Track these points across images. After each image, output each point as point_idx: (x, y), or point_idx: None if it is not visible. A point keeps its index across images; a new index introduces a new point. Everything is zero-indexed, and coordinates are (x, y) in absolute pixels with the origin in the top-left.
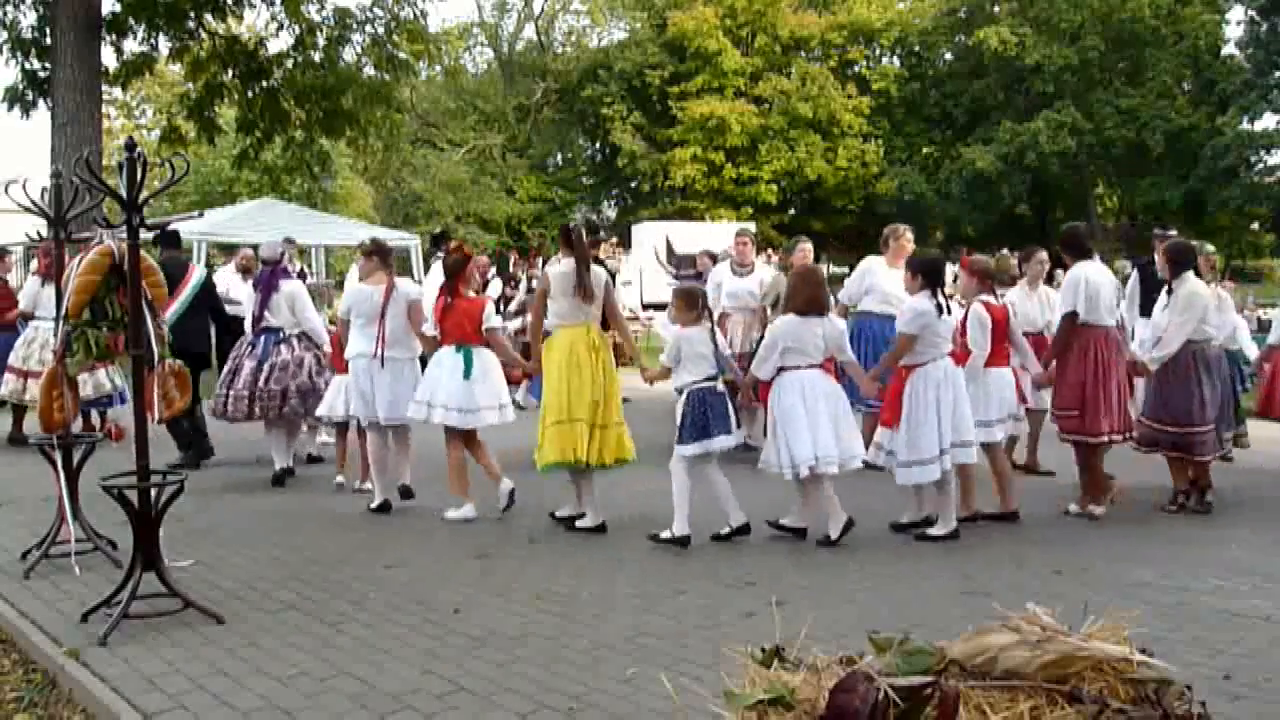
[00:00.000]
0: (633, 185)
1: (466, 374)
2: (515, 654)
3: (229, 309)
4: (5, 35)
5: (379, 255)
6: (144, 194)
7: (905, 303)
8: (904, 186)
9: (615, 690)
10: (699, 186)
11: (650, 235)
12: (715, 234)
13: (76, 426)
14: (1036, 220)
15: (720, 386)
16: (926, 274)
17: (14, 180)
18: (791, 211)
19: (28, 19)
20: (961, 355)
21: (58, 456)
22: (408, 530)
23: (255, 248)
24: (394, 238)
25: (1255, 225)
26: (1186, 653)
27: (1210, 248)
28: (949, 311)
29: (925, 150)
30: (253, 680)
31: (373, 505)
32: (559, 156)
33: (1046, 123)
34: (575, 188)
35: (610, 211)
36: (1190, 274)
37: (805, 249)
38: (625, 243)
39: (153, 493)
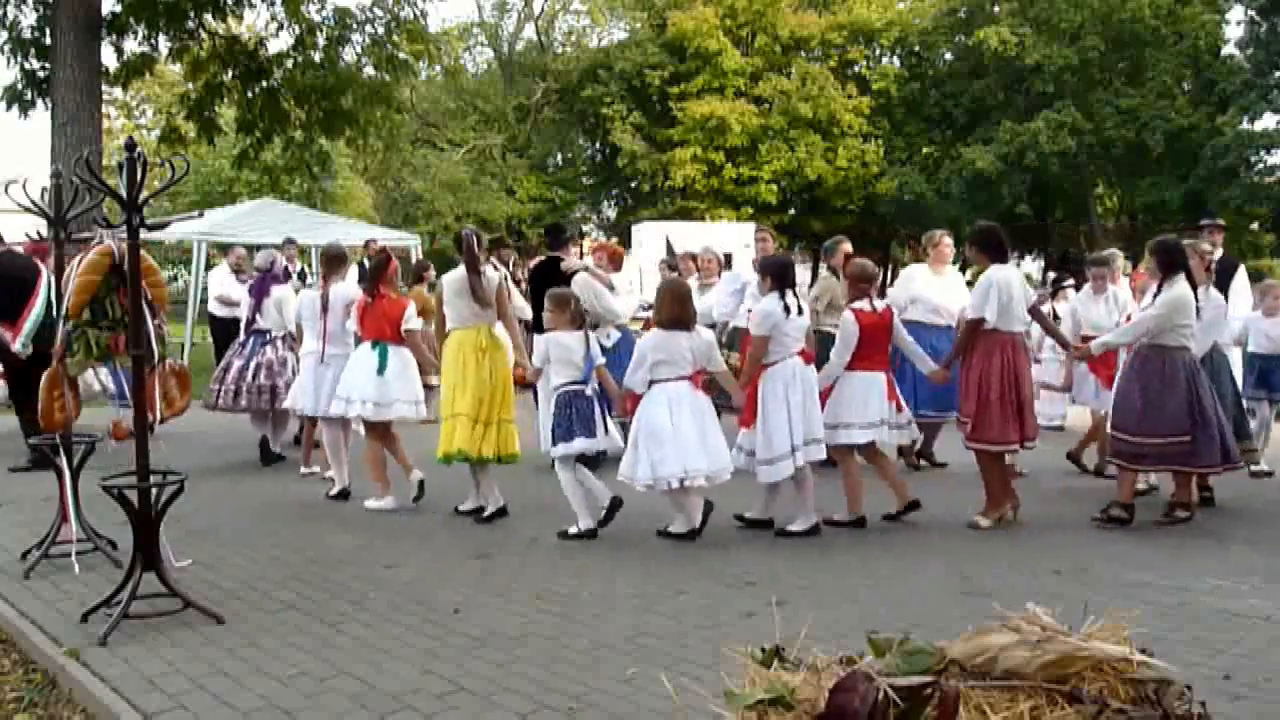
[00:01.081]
0: (633, 185)
1: (380, 370)
2: (515, 654)
3: (224, 310)
4: (5, 35)
5: (326, 259)
6: (144, 194)
7: (756, 305)
8: (904, 186)
9: (615, 690)
10: (699, 186)
11: (650, 236)
12: (715, 234)
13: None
14: (1036, 220)
15: (589, 390)
16: (775, 275)
17: (14, 180)
18: (791, 211)
19: (28, 19)
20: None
21: (59, 456)
22: (408, 530)
23: (252, 248)
24: (394, 238)
25: (1255, 225)
26: (1186, 653)
27: (1207, 246)
28: (800, 312)
29: (925, 150)
30: (253, 680)
31: (331, 493)
32: (559, 156)
33: (1046, 123)
34: (575, 188)
35: (610, 211)
36: (1182, 276)
37: (846, 249)
38: (625, 243)
39: (153, 493)
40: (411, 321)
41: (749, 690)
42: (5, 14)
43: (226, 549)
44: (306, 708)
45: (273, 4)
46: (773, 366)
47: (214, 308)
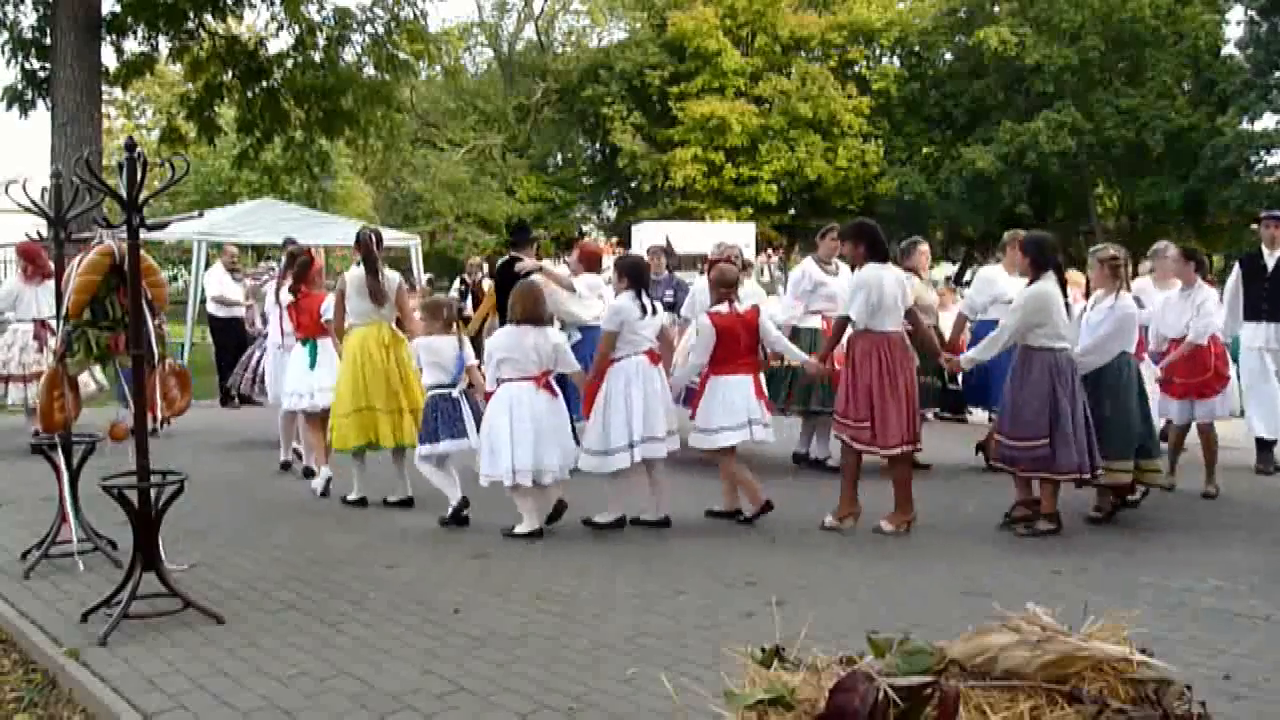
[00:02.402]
0: (633, 185)
1: (311, 365)
2: (515, 654)
3: (223, 310)
4: (5, 35)
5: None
6: (144, 194)
7: (609, 302)
8: (904, 186)
9: (615, 690)
10: (699, 186)
11: (651, 236)
12: (715, 234)
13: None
14: (1036, 220)
15: (455, 393)
16: (630, 274)
17: (14, 180)
18: (791, 211)
19: (28, 19)
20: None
21: (59, 456)
22: (408, 530)
23: (246, 248)
24: (394, 238)
25: (1255, 225)
26: (1186, 653)
27: (1113, 251)
28: (654, 312)
29: (925, 150)
30: (253, 680)
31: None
32: (559, 156)
33: (1046, 123)
34: (575, 188)
35: (610, 211)
36: (1049, 275)
37: (924, 250)
38: (625, 243)
39: (153, 493)
40: (329, 313)
41: (749, 690)
42: (5, 14)
43: (226, 549)
44: (306, 708)
45: (273, 4)
46: (619, 363)
47: (212, 308)
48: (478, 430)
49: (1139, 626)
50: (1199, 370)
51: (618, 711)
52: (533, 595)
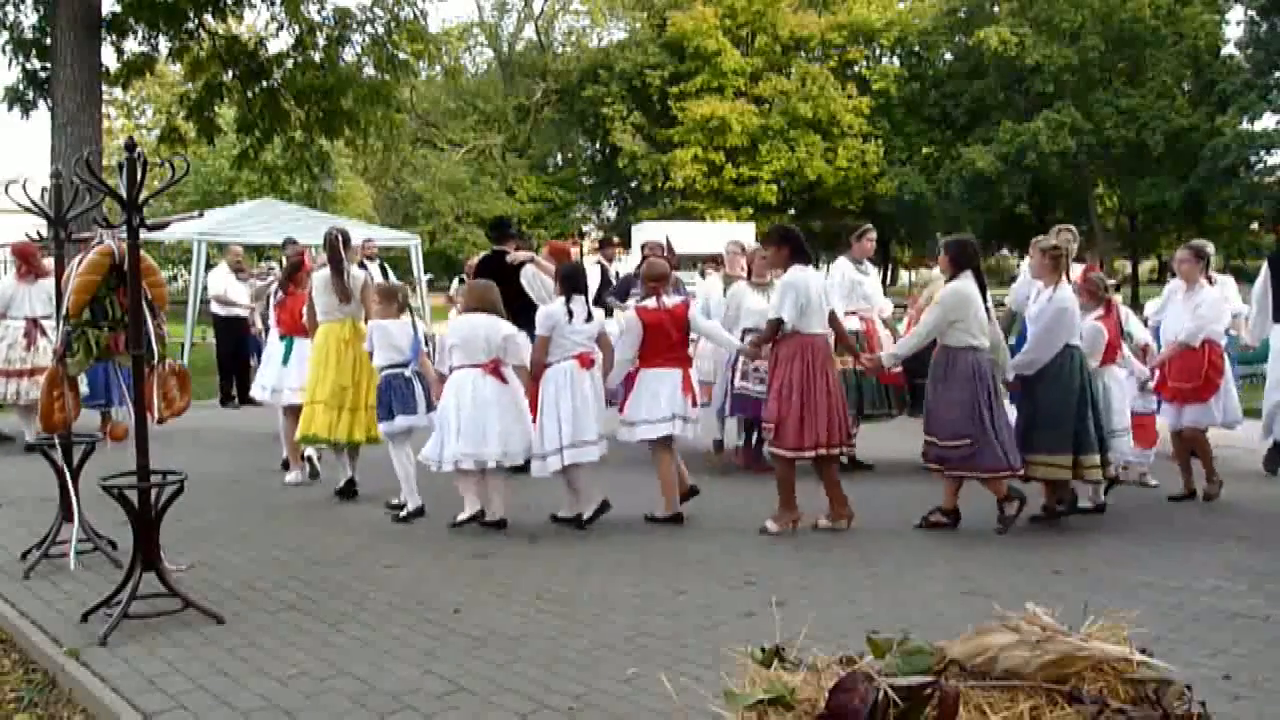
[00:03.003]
0: (633, 185)
1: (284, 360)
2: (515, 654)
3: (226, 310)
4: (5, 35)
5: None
6: (144, 194)
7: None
8: (904, 186)
9: (615, 690)
10: (699, 187)
11: (650, 236)
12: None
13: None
14: (1036, 220)
15: (408, 372)
16: (564, 280)
17: (14, 180)
18: (791, 211)
19: (28, 19)
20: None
21: (58, 456)
22: (408, 530)
23: (249, 248)
24: (394, 238)
25: (1255, 225)
26: (1186, 653)
27: (1056, 241)
28: (589, 318)
29: (925, 150)
30: (253, 680)
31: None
32: (559, 156)
33: (1046, 123)
34: (575, 188)
35: (610, 212)
36: (967, 274)
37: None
38: (626, 243)
39: (153, 493)
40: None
41: (749, 690)
42: (5, 14)
43: (226, 549)
44: (306, 708)
45: (273, 4)
46: (550, 368)
47: (215, 307)
48: (428, 410)
49: (1139, 626)
50: (1190, 375)
51: (618, 711)
52: (533, 595)
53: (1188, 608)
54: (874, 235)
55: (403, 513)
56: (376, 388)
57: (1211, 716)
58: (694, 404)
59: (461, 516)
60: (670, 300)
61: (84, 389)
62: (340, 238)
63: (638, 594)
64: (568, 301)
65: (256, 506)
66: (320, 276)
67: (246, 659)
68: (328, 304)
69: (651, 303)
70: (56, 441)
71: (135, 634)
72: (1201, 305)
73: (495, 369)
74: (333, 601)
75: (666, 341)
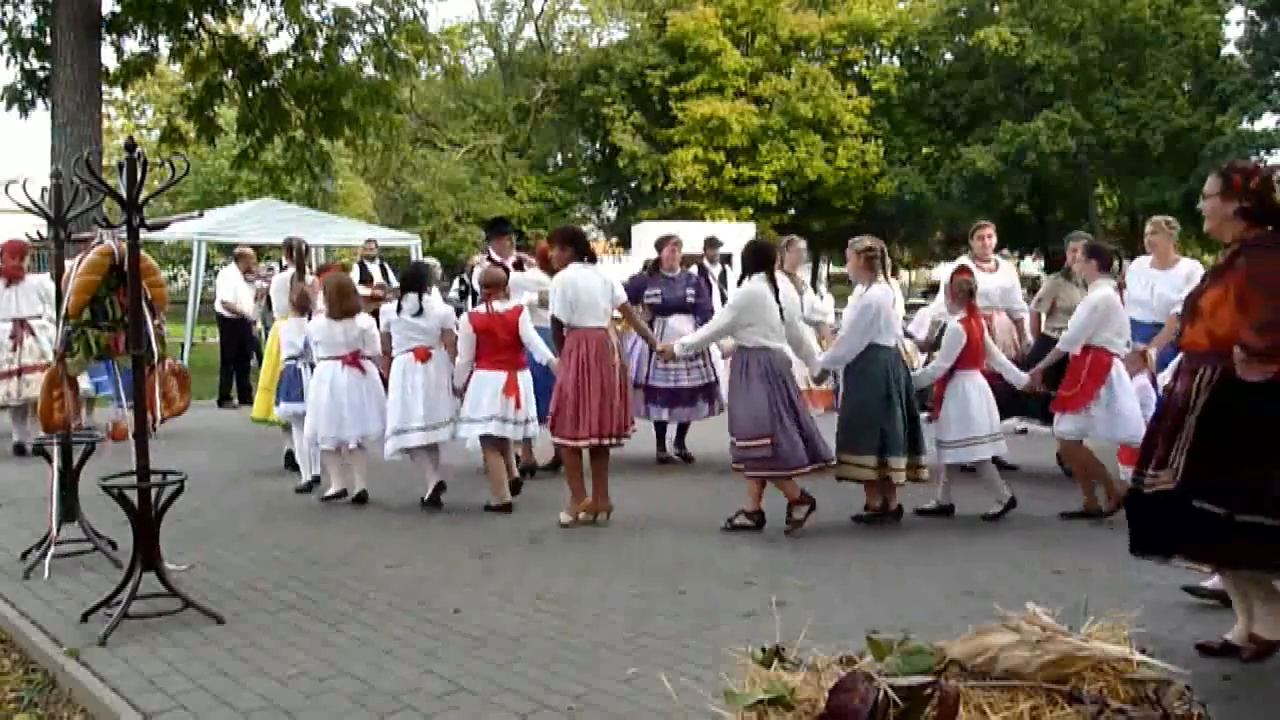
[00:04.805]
0: (633, 185)
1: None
2: (515, 654)
3: (231, 314)
4: (5, 35)
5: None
6: (144, 194)
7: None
8: (904, 186)
9: (615, 690)
10: (699, 187)
11: (650, 236)
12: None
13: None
14: (1036, 220)
15: (299, 365)
16: (405, 278)
17: (14, 180)
18: (791, 211)
19: (28, 19)
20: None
21: (55, 456)
22: (408, 530)
23: (256, 248)
24: (394, 238)
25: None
26: (1186, 653)
27: (869, 242)
28: (418, 313)
29: (925, 150)
30: (253, 680)
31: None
32: (559, 156)
33: (1046, 123)
34: (575, 188)
35: (610, 212)
36: (759, 276)
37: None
38: (625, 243)
39: (153, 493)
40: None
41: (749, 690)
42: (5, 14)
43: (226, 549)
44: (306, 708)
45: (273, 4)
46: (394, 359)
47: (221, 310)
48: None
49: (1139, 626)
50: (1068, 382)
51: (618, 711)
52: (533, 595)
53: (1188, 608)
54: (993, 231)
55: (321, 493)
56: (281, 377)
57: (1211, 717)
58: (517, 406)
59: (330, 492)
60: (501, 307)
61: (85, 385)
62: (302, 245)
63: (638, 594)
64: (400, 298)
65: (256, 506)
66: (279, 279)
67: (246, 659)
68: (284, 304)
69: (483, 309)
70: (54, 441)
71: (135, 634)
72: (1082, 308)
73: (354, 360)
74: (333, 601)
75: (494, 345)
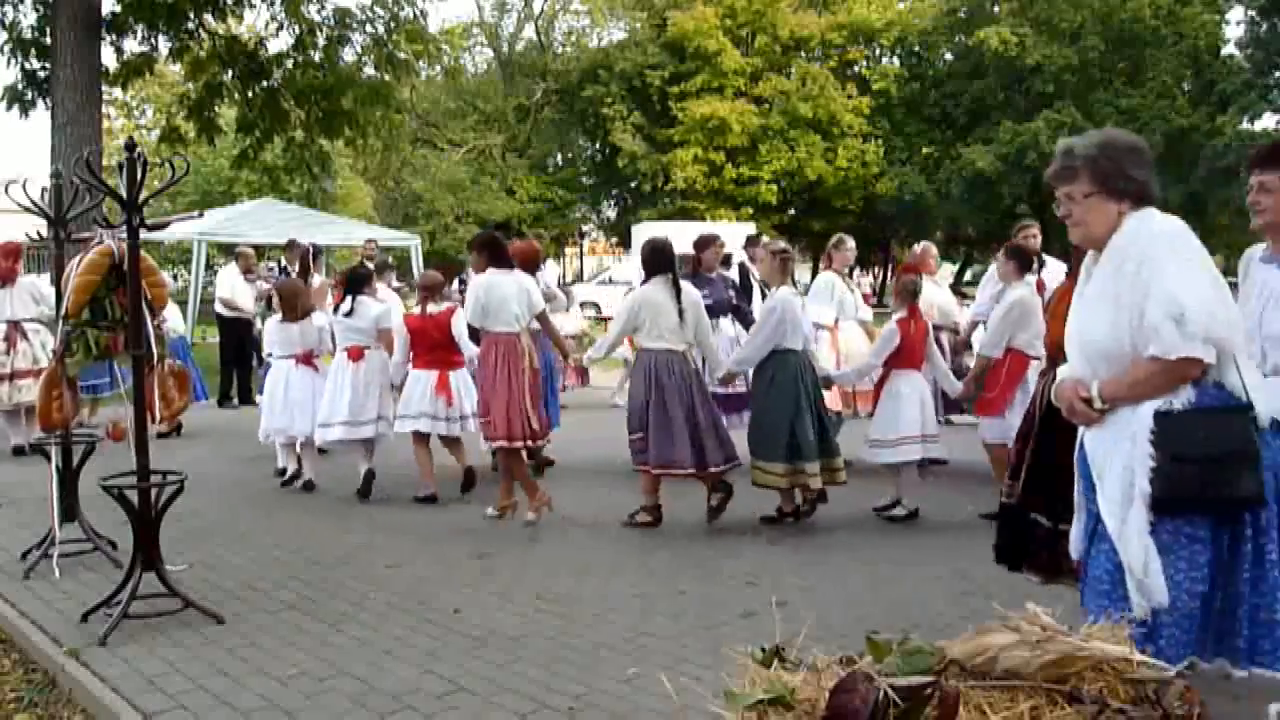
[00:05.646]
0: (633, 185)
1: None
2: (515, 654)
3: (229, 311)
4: (5, 35)
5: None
6: (144, 194)
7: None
8: (904, 186)
9: (615, 690)
10: (699, 187)
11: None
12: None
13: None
14: (1036, 220)
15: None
16: (348, 283)
17: (14, 180)
18: (791, 211)
19: (28, 19)
20: None
21: (55, 455)
22: (408, 530)
23: (256, 248)
24: (394, 238)
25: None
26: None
27: (781, 244)
28: (350, 314)
29: (925, 150)
30: (253, 680)
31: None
32: (559, 157)
33: (1046, 123)
34: (575, 188)
35: (610, 212)
36: (658, 278)
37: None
38: (625, 243)
39: (153, 493)
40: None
41: (749, 690)
42: (5, 14)
43: (226, 549)
44: (306, 708)
45: (273, 4)
46: (335, 355)
47: (220, 308)
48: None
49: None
50: (989, 384)
51: (618, 711)
52: (533, 595)
53: None
54: (1034, 229)
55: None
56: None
57: (1211, 717)
58: (449, 403)
59: (282, 478)
60: (435, 308)
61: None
62: (309, 249)
63: (638, 594)
64: (341, 300)
65: (256, 506)
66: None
67: (246, 659)
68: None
69: (418, 310)
70: (54, 441)
71: (135, 634)
72: (1000, 307)
73: (306, 359)
74: (333, 601)
75: (428, 345)
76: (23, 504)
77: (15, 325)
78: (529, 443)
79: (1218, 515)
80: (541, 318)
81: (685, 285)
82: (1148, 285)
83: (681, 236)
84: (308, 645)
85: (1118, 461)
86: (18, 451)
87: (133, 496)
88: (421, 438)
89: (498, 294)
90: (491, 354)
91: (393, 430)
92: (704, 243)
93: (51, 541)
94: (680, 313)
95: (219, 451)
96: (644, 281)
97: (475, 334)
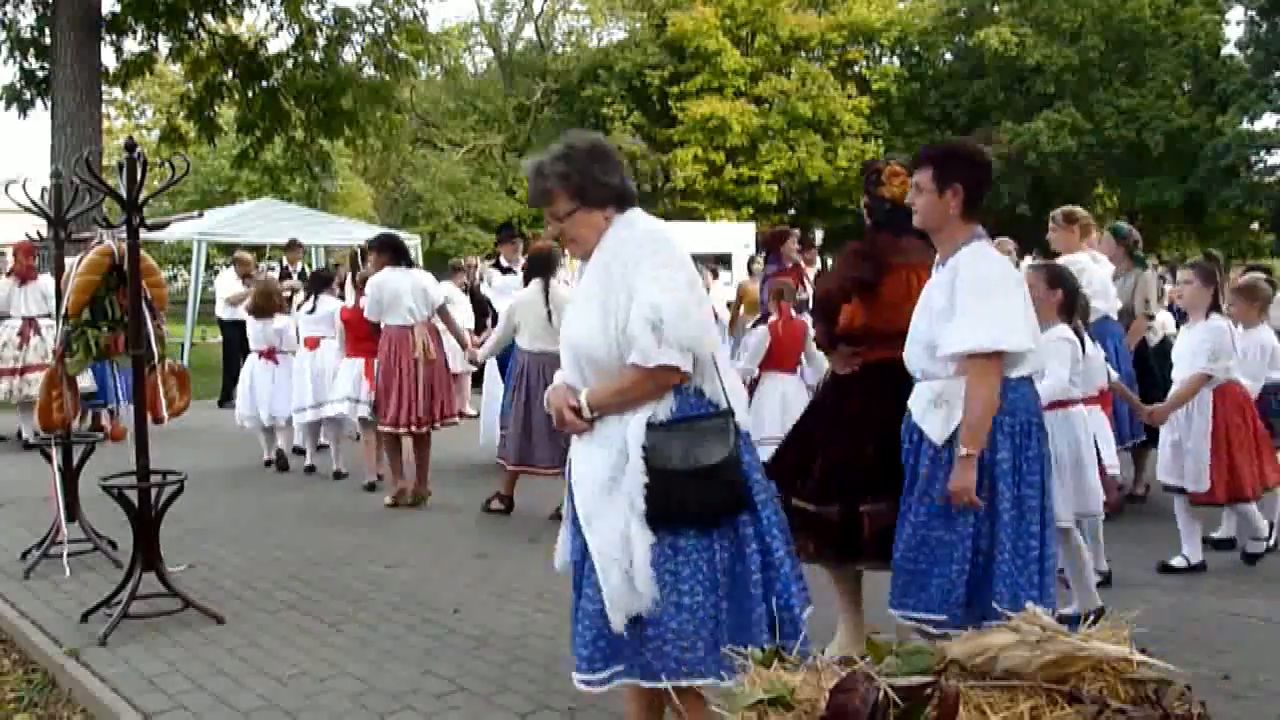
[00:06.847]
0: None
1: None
2: (515, 654)
3: (232, 313)
4: (5, 35)
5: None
6: (144, 194)
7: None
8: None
9: (615, 690)
10: (699, 187)
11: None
12: (715, 234)
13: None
14: (1036, 220)
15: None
16: (312, 283)
17: (14, 180)
18: (791, 211)
19: (27, 19)
20: None
21: (56, 455)
22: (408, 530)
23: (253, 248)
24: None
25: (1255, 225)
26: (1186, 653)
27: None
28: (312, 310)
29: None
30: (253, 680)
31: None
32: None
33: (1046, 123)
34: None
35: None
36: (537, 282)
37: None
38: None
39: (153, 493)
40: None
41: (749, 690)
42: (5, 14)
43: (226, 549)
44: (306, 708)
45: (273, 4)
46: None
47: (221, 310)
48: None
49: (1139, 626)
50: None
51: (618, 711)
52: (533, 595)
53: (1188, 608)
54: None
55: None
56: None
57: (1211, 716)
58: (372, 388)
59: (266, 458)
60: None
61: (86, 384)
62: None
63: None
64: (307, 296)
65: (256, 506)
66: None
67: (246, 659)
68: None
69: (350, 303)
70: (54, 440)
71: (135, 634)
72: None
73: (269, 354)
74: (333, 601)
75: (356, 335)
76: (23, 504)
77: (30, 321)
78: (412, 429)
79: (705, 526)
80: (442, 313)
81: (554, 288)
82: (631, 290)
83: (682, 236)
84: (308, 645)
85: (605, 473)
86: (30, 447)
87: (133, 496)
88: (365, 424)
89: (391, 289)
90: (386, 345)
91: (357, 410)
92: (780, 236)
93: (55, 540)
94: (549, 315)
95: (219, 451)
96: (524, 286)
97: (480, 326)
